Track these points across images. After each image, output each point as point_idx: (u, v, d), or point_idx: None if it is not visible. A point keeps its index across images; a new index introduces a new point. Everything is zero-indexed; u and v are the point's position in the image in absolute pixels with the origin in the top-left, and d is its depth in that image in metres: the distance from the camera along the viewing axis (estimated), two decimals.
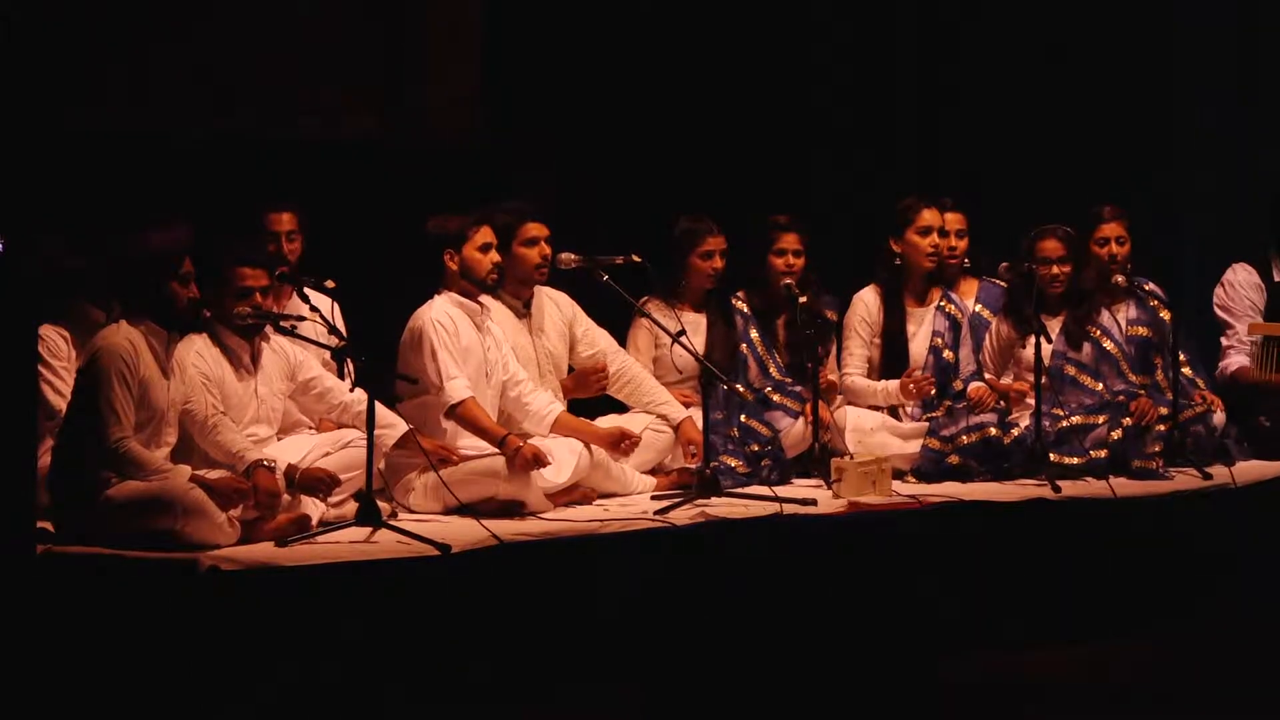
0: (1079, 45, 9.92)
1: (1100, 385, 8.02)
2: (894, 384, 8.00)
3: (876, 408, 8.06)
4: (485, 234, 7.20)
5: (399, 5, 8.65)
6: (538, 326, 7.58)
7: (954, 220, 8.31)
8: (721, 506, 6.98)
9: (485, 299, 7.29)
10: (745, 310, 8.10)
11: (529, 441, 7.01)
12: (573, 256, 7.42)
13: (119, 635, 5.79)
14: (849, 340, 8.18)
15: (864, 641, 5.32)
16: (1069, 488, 7.52)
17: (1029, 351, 7.82)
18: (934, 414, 7.98)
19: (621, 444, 7.28)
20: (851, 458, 7.48)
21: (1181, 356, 8.12)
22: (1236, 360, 8.50)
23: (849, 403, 8.11)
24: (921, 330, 8.16)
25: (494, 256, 7.21)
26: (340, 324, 7.34)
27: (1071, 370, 8.05)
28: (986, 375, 8.10)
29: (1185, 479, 7.79)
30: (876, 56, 9.85)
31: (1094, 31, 9.92)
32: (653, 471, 7.60)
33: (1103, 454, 7.78)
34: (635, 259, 7.40)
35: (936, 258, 8.15)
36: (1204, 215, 9.85)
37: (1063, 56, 9.93)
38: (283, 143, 8.32)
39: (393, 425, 6.75)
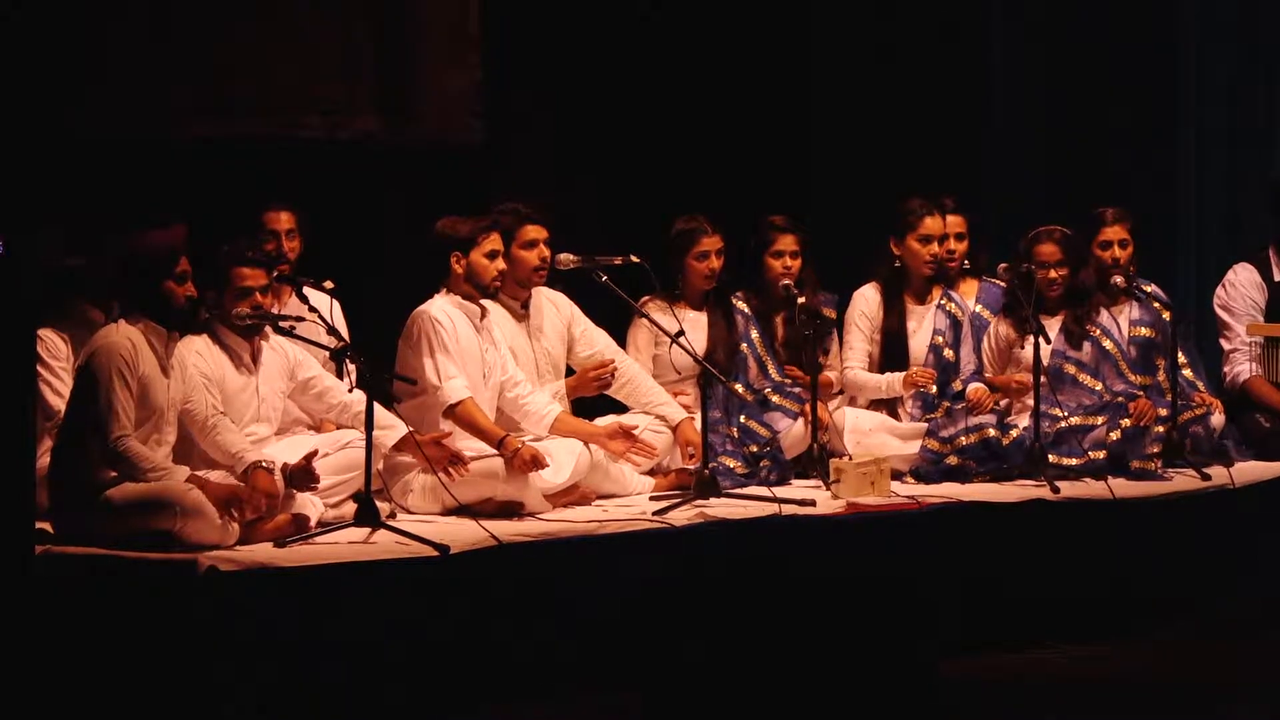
0: (1077, 44, 9.92)
1: (1100, 385, 8.01)
2: (897, 377, 8.00)
3: (877, 402, 8.07)
4: (494, 241, 7.18)
5: (398, 5, 8.64)
6: (536, 328, 7.57)
7: (954, 223, 8.29)
8: (720, 507, 6.97)
9: (484, 301, 7.28)
10: (745, 310, 8.09)
11: (527, 442, 7.01)
12: (571, 257, 7.40)
13: (118, 636, 5.79)
14: (849, 334, 8.17)
15: (863, 642, 5.31)
16: (1068, 489, 7.50)
17: (1028, 352, 7.81)
18: (933, 415, 7.98)
19: (619, 436, 7.25)
20: (850, 458, 7.47)
21: (1181, 358, 8.11)
22: (1245, 368, 8.47)
23: (850, 397, 8.12)
24: (922, 328, 8.15)
25: (500, 264, 7.18)
26: (339, 324, 7.34)
27: (1071, 369, 8.03)
28: (985, 374, 8.09)
29: (1184, 480, 7.78)
30: (875, 53, 9.84)
31: (1093, 29, 9.92)
32: (651, 472, 7.58)
33: (1101, 455, 7.76)
34: (634, 259, 7.38)
35: (936, 265, 8.13)
36: (1204, 216, 9.85)
37: (1061, 55, 9.94)
38: (281, 142, 8.31)
39: (392, 426, 6.74)
